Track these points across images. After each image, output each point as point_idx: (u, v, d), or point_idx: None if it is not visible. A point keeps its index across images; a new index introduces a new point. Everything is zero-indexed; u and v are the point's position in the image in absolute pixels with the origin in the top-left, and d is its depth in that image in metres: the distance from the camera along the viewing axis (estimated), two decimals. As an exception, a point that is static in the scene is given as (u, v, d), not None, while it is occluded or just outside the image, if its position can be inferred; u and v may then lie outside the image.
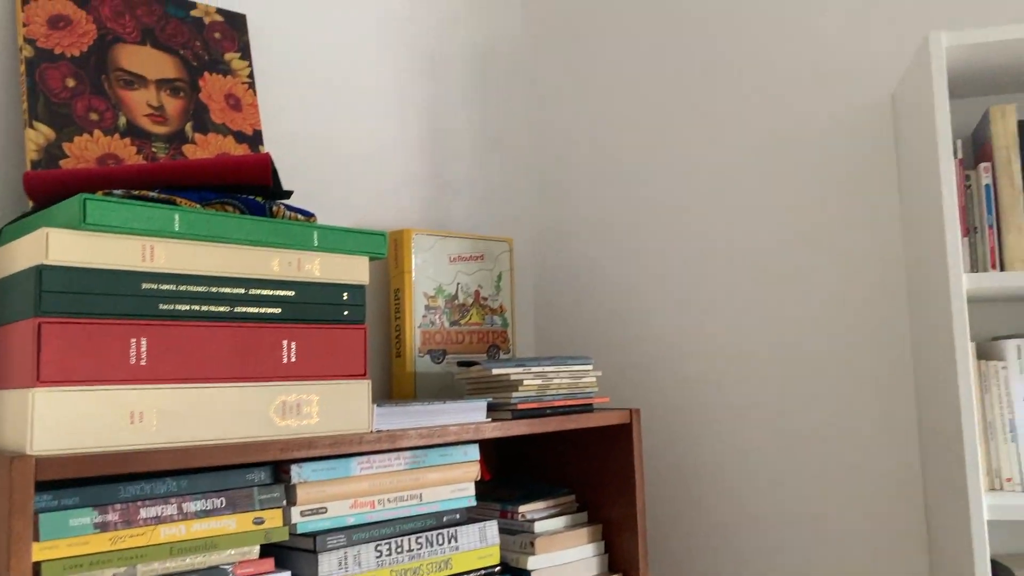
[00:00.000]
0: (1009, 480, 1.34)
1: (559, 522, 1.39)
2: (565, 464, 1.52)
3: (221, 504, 0.98)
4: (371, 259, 1.15)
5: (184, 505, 0.95)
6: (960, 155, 1.43)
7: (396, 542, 1.15)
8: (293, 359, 1.03)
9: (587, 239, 1.83)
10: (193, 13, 1.28)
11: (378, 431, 1.10)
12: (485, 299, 1.52)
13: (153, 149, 1.18)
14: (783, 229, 1.69)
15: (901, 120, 1.56)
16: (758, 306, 1.69)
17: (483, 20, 1.80)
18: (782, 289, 1.68)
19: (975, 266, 1.40)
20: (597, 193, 1.83)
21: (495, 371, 1.29)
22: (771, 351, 1.68)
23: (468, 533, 1.23)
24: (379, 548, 1.13)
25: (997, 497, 1.28)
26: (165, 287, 0.94)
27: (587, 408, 1.39)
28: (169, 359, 0.93)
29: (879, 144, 1.64)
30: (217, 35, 1.29)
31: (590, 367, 1.39)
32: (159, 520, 0.93)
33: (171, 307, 0.94)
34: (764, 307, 1.69)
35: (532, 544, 1.33)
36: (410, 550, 1.16)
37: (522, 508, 1.36)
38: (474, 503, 1.24)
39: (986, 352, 1.43)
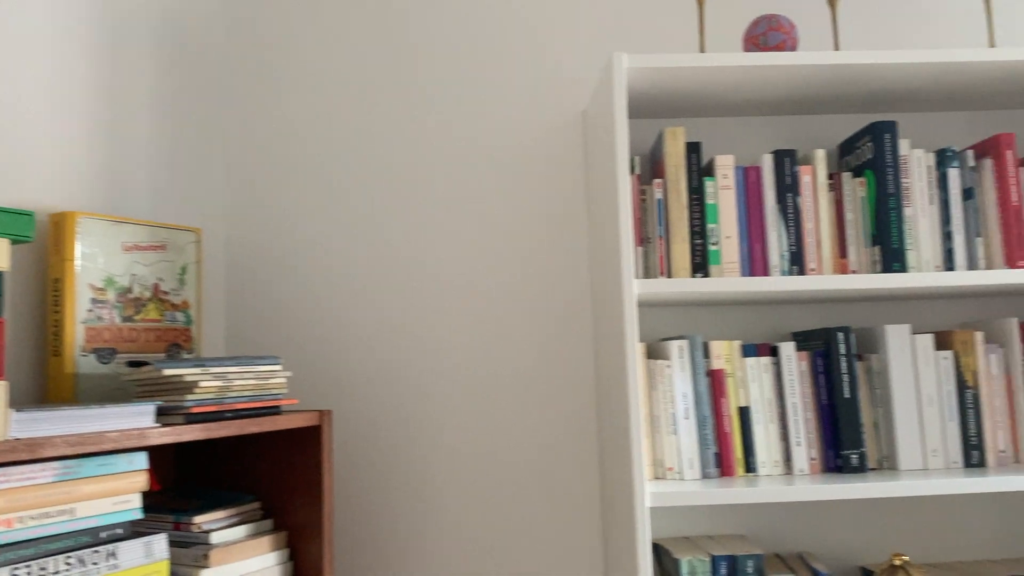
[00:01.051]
0: (671, 469, 1.46)
1: (239, 531, 1.31)
2: (253, 470, 1.44)
3: None
4: (15, 242, 1.01)
5: None
6: (638, 171, 1.55)
7: (40, 564, 1.01)
8: (-100, 356, 0.87)
9: (284, 234, 1.75)
10: None
11: (15, 439, 0.96)
12: (166, 293, 1.40)
13: None
14: (479, 234, 1.73)
15: (590, 135, 1.67)
16: (454, 308, 1.72)
17: (178, -7, 1.66)
18: (476, 291, 1.72)
19: (648, 273, 1.52)
20: (293, 187, 1.76)
21: (167, 372, 1.18)
22: (465, 352, 1.71)
23: (131, 549, 1.11)
24: (17, 572, 0.99)
25: (660, 485, 1.39)
26: None
27: (274, 410, 1.32)
28: None
29: (570, 157, 1.74)
30: None
31: (278, 367, 1.32)
32: None
33: None
34: (459, 310, 1.72)
35: (206, 556, 1.23)
36: (57, 572, 1.03)
37: (197, 519, 1.27)
38: (140, 516, 1.13)
39: (655, 352, 1.56)
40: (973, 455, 1.49)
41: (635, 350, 1.36)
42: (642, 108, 1.65)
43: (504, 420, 1.70)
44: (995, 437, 1.50)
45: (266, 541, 1.33)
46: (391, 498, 1.68)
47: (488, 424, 1.70)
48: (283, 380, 1.34)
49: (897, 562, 1.43)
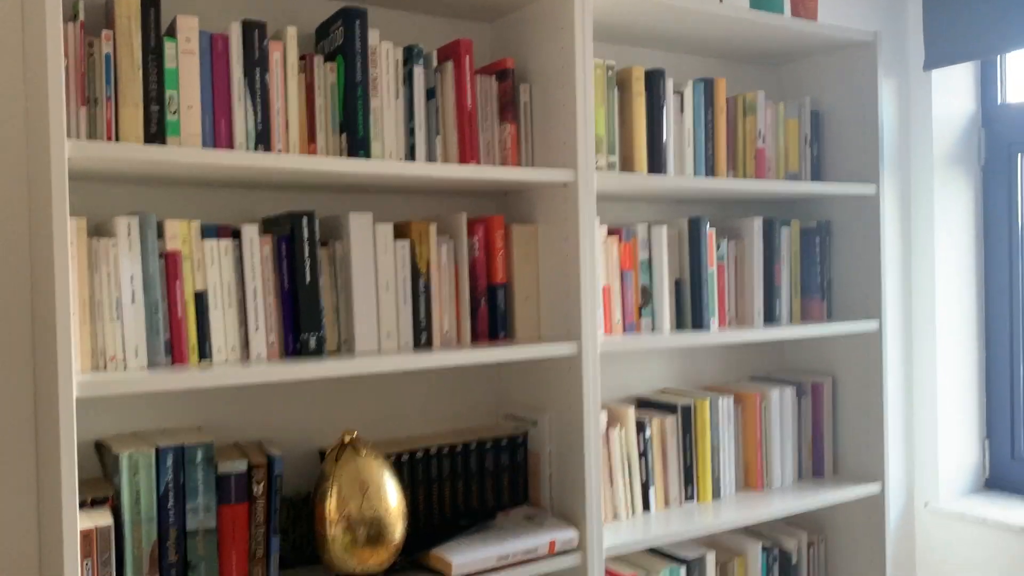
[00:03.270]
0: (113, 359, 1.32)
1: None
2: None
3: None
4: None
5: None
6: (83, 17, 1.33)
7: None
8: None
9: None
10: None
11: None
12: None
13: None
14: None
15: (26, -31, 1.39)
16: None
17: None
18: None
19: (93, 139, 1.33)
20: None
21: None
22: None
23: None
24: None
25: (99, 376, 1.25)
26: None
27: None
28: None
29: (3, -7, 1.44)
30: None
31: None
32: None
33: None
34: None
35: None
36: None
37: None
38: None
39: (100, 230, 1.39)
40: (422, 337, 1.61)
41: (65, 223, 1.18)
42: (95, -51, 1.42)
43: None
44: (442, 320, 1.64)
45: None
46: None
47: None
48: None
49: (347, 439, 1.49)
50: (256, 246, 1.45)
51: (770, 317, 2.08)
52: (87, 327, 1.30)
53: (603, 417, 1.84)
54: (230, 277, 1.43)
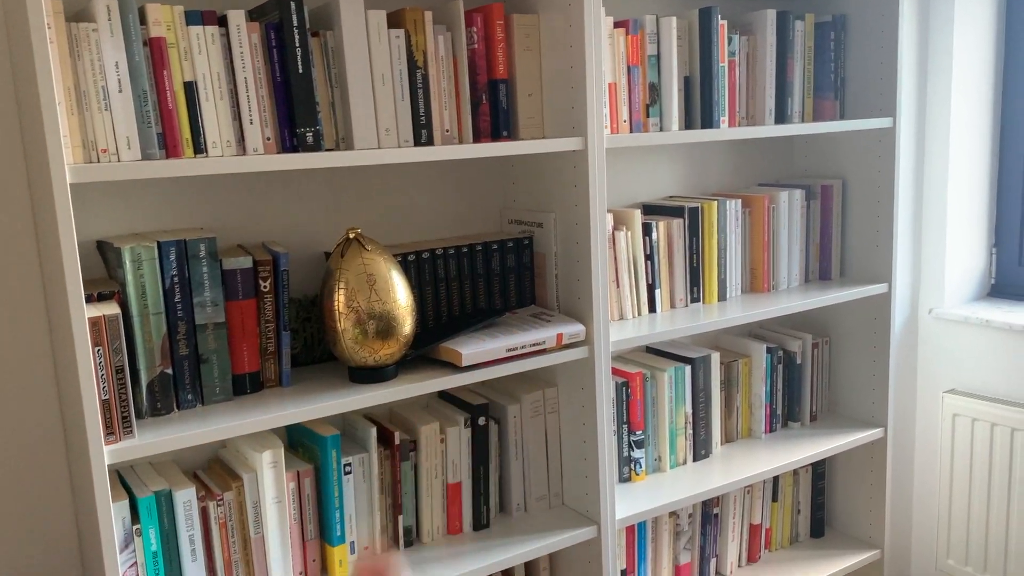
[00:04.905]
0: (105, 151, 1.28)
1: None
2: None
3: None
4: None
5: None
6: None
7: None
8: None
9: None
10: None
11: None
12: None
13: None
14: None
15: None
16: None
17: None
18: None
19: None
20: None
21: None
22: None
23: None
24: None
25: (91, 168, 1.21)
26: None
27: None
28: None
29: None
30: None
31: None
32: None
33: None
34: None
35: None
36: None
37: None
38: None
39: (80, 16, 1.32)
40: (422, 135, 1.56)
41: (40, 7, 1.11)
42: None
43: None
44: (442, 117, 1.58)
45: None
46: None
47: None
48: None
49: (351, 235, 1.48)
50: (244, 33, 1.37)
51: (781, 117, 2.02)
52: (75, 118, 1.25)
53: (608, 220, 1.82)
54: (219, 67, 1.36)
